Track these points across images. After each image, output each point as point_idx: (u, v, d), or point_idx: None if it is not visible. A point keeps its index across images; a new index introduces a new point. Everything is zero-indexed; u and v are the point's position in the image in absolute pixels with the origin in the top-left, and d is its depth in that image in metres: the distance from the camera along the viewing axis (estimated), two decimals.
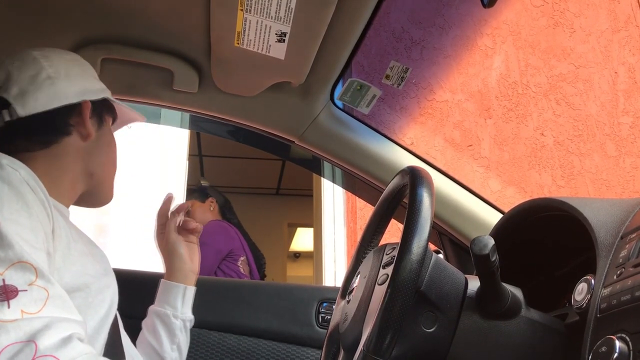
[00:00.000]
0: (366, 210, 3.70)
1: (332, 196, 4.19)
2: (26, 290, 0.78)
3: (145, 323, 1.35)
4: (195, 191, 3.56)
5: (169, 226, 1.37)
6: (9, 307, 0.75)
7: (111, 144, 1.23)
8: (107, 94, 1.20)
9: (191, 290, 1.35)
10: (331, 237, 4.10)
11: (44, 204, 0.94)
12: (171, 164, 3.97)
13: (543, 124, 3.97)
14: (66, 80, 1.11)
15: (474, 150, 3.87)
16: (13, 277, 0.78)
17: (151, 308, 1.35)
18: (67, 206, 1.14)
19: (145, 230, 3.73)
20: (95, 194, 1.21)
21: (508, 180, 3.82)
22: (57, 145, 1.11)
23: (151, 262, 3.29)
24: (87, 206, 1.24)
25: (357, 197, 3.75)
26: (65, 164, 1.12)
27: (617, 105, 4.01)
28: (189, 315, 1.35)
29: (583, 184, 3.90)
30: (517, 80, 4.02)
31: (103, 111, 1.20)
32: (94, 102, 1.15)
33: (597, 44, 4.11)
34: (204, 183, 3.56)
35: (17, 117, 1.05)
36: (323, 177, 3.94)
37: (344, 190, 4.00)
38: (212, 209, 3.45)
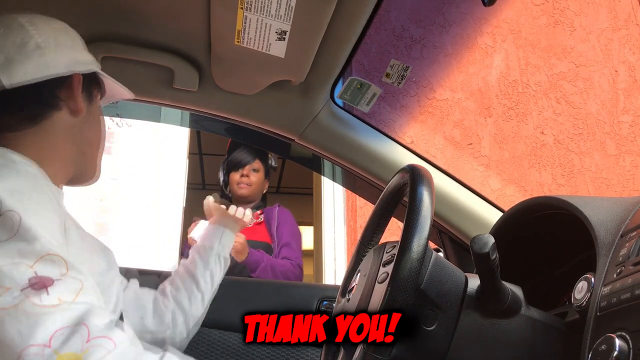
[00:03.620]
0: (366, 209, 3.70)
1: (332, 194, 4.18)
2: (61, 280, 0.76)
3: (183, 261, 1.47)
4: (268, 165, 3.07)
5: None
6: (48, 293, 0.73)
7: (100, 121, 1.16)
8: (96, 67, 1.12)
9: (229, 235, 1.50)
10: (331, 235, 4.09)
11: (56, 198, 0.92)
12: (171, 162, 3.97)
13: (543, 123, 3.97)
14: (56, 50, 1.03)
15: (474, 149, 3.87)
16: (44, 270, 0.76)
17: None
18: (60, 187, 1.08)
19: (146, 228, 3.74)
20: (83, 173, 1.15)
21: (508, 179, 3.82)
22: (47, 122, 1.03)
23: (152, 260, 3.30)
24: (73, 185, 1.16)
25: (357, 196, 3.74)
26: (56, 142, 1.05)
27: (617, 104, 4.01)
28: (224, 252, 1.46)
29: (583, 183, 3.90)
30: (517, 79, 4.01)
31: (93, 85, 1.13)
32: (84, 76, 1.08)
33: (598, 42, 4.11)
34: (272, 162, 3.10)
35: (2, 88, 0.97)
36: (323, 175, 3.94)
37: (344, 188, 4.00)
38: (263, 191, 3.05)
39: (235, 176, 2.88)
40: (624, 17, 4.15)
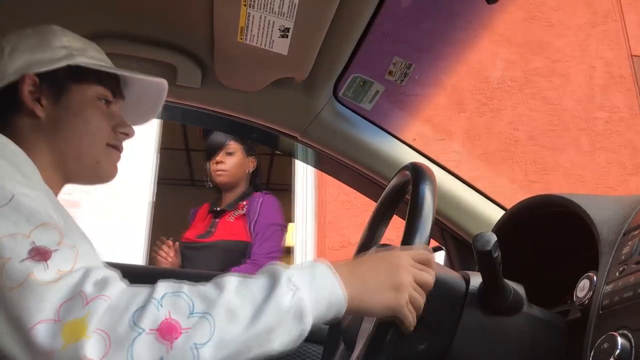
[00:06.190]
0: (335, 205, 3.66)
1: (304, 190, 4.13)
2: (58, 250, 0.75)
3: None
4: (246, 142, 2.83)
5: None
6: (47, 267, 0.72)
7: (78, 115, 1.06)
8: (75, 60, 1.05)
9: None
10: (302, 232, 4.05)
11: (39, 177, 0.90)
12: (139, 157, 3.92)
13: (517, 119, 3.98)
14: (9, 57, 1.01)
15: (446, 144, 3.86)
16: (41, 239, 0.75)
17: None
18: (56, 192, 1.04)
19: (113, 222, 3.72)
20: (75, 172, 1.07)
21: (480, 175, 3.82)
22: (10, 126, 1.01)
23: (118, 254, 3.26)
24: (87, 184, 1.14)
25: (326, 191, 3.71)
26: (28, 144, 0.98)
27: (593, 100, 4.03)
28: None
29: (556, 179, 3.91)
30: (491, 74, 4.03)
31: (66, 80, 1.05)
32: (47, 74, 1.02)
33: (575, 38, 4.12)
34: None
35: None
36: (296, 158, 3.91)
37: (315, 183, 3.95)
38: (248, 171, 2.78)
39: (211, 164, 2.71)
40: (603, 13, 4.17)
